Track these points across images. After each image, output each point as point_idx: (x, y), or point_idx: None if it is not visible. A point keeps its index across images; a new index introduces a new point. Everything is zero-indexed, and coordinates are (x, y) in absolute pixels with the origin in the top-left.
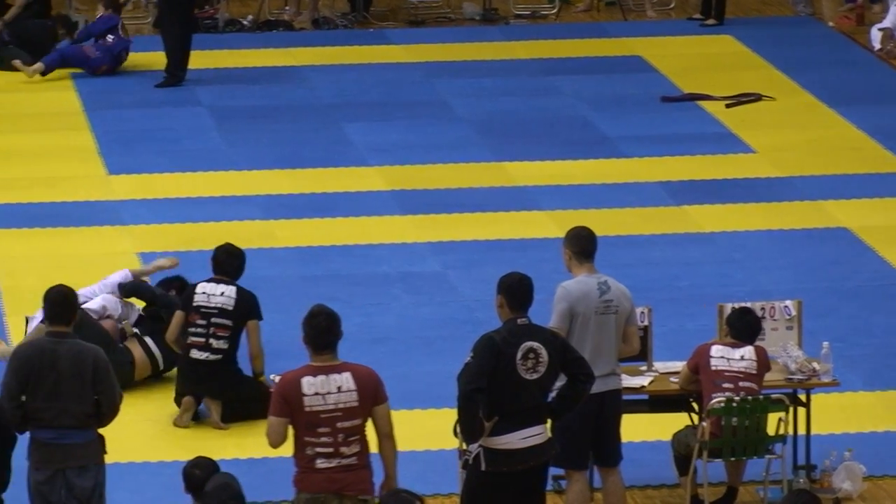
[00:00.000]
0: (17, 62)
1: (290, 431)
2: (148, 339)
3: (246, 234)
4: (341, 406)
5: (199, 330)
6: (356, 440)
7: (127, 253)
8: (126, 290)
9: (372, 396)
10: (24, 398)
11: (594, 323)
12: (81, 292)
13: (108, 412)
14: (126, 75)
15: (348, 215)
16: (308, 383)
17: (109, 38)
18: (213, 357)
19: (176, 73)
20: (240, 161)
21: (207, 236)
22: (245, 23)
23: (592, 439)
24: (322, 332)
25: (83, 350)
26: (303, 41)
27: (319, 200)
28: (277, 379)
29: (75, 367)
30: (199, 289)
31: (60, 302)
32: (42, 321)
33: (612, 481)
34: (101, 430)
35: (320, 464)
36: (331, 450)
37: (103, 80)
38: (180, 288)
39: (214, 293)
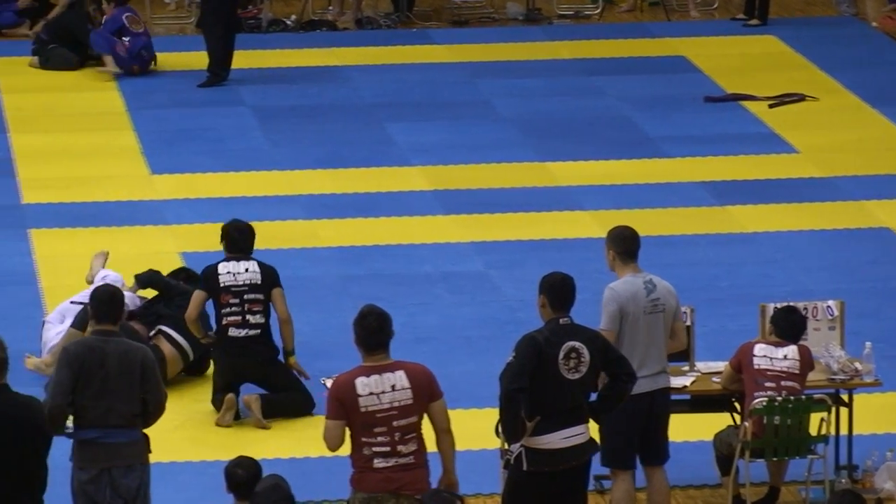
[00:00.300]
0: (107, 58)
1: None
2: (172, 332)
3: (288, 234)
4: (396, 405)
5: (235, 309)
6: (412, 438)
7: (169, 252)
8: (142, 280)
9: (427, 393)
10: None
11: (643, 323)
12: (78, 297)
13: (154, 412)
14: (168, 75)
15: (391, 215)
16: (362, 384)
17: (125, 39)
18: (252, 332)
19: (219, 72)
20: (283, 161)
21: None
22: (288, 23)
23: (640, 438)
24: (373, 332)
25: (131, 349)
26: (346, 41)
27: (362, 200)
28: (329, 382)
29: (123, 366)
30: (220, 269)
31: (108, 300)
32: (73, 325)
33: (658, 480)
34: (145, 430)
35: (378, 463)
36: (388, 449)
37: (146, 80)
38: (186, 279)
39: (239, 271)
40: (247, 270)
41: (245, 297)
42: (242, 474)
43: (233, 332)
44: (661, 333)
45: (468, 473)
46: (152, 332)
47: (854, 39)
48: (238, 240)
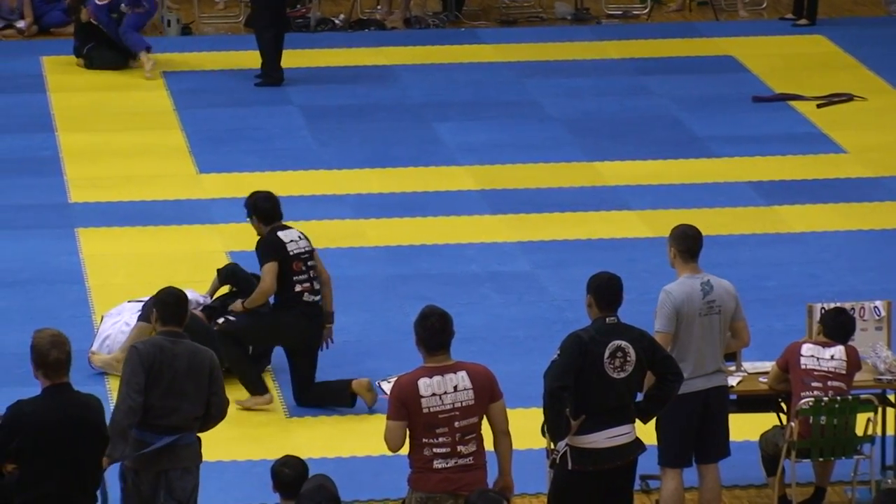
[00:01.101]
0: (143, 56)
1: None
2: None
3: (336, 234)
4: (458, 405)
5: (304, 276)
6: (473, 439)
7: (217, 251)
8: (223, 275)
9: (488, 394)
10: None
11: (698, 325)
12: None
13: (216, 415)
14: (216, 74)
15: (438, 215)
16: (425, 385)
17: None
18: (318, 299)
19: (272, 73)
20: (330, 160)
21: None
22: (337, 22)
23: (696, 436)
24: (436, 332)
25: (199, 351)
26: (394, 40)
27: (410, 200)
28: (385, 385)
29: (192, 367)
30: (283, 238)
31: (174, 303)
32: (141, 319)
33: (710, 478)
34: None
35: (438, 464)
36: (448, 450)
37: (194, 79)
38: (225, 274)
39: (295, 239)
40: (300, 238)
41: (308, 263)
42: (290, 473)
43: (307, 297)
44: (716, 335)
45: (514, 473)
46: (220, 320)
47: None
48: (273, 209)
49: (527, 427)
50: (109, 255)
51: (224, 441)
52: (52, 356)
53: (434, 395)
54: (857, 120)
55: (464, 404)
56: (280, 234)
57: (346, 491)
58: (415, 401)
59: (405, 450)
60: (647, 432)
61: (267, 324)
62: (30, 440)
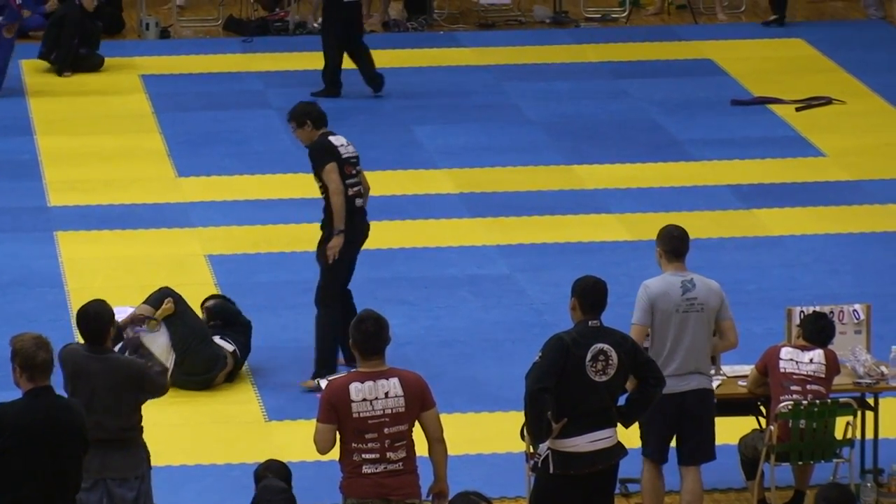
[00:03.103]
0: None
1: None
2: (218, 339)
3: (315, 237)
4: (388, 412)
5: (354, 180)
6: (402, 445)
7: (195, 255)
8: (211, 311)
9: (420, 402)
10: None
11: (675, 321)
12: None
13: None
14: (194, 77)
15: (417, 218)
16: (356, 389)
17: None
18: (364, 203)
19: (330, 87)
20: (309, 163)
21: (276, 238)
22: (315, 25)
23: (677, 438)
24: (370, 337)
25: (121, 365)
26: (373, 44)
27: (388, 203)
28: (324, 383)
29: (113, 382)
30: (335, 142)
31: (93, 318)
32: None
33: (690, 480)
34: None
35: (367, 469)
36: (377, 455)
37: (173, 82)
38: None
39: (344, 143)
40: (348, 143)
41: (357, 168)
42: (272, 478)
43: (358, 202)
44: (696, 333)
45: (493, 476)
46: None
47: (882, 43)
48: (322, 115)
49: (506, 430)
50: (88, 258)
51: (202, 444)
52: (39, 357)
53: (365, 399)
54: (835, 123)
55: (394, 411)
56: (331, 138)
57: (325, 494)
58: (345, 405)
59: (335, 454)
60: (627, 436)
61: (344, 257)
62: (11, 443)
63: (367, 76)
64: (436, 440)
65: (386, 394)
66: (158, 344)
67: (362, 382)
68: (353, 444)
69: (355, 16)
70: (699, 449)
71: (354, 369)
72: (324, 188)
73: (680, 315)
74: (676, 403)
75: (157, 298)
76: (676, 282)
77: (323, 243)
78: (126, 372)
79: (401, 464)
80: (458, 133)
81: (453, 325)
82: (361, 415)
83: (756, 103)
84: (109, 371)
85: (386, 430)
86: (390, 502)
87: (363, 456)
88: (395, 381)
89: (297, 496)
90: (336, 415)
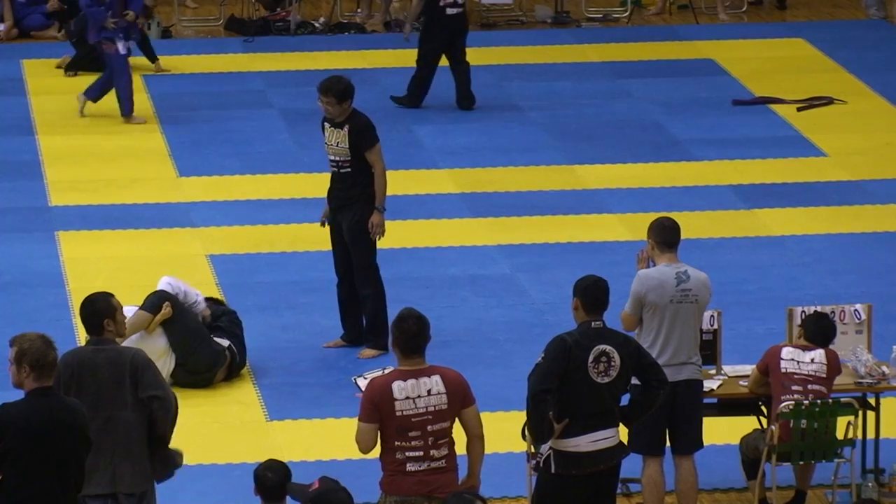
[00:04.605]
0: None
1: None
2: (217, 339)
3: (316, 237)
4: (431, 409)
5: None
6: (445, 443)
7: (197, 255)
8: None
9: (461, 399)
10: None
11: (670, 312)
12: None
13: (164, 415)
14: (195, 78)
15: (418, 218)
16: (399, 387)
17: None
18: None
19: (411, 97)
20: (311, 163)
21: (277, 239)
22: (317, 25)
23: (669, 428)
24: (412, 335)
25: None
26: (374, 44)
27: (390, 203)
28: (362, 382)
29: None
30: None
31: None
32: (143, 308)
33: (684, 469)
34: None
35: (410, 467)
36: (421, 453)
37: (174, 82)
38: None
39: None
40: None
41: None
42: (272, 478)
43: None
44: (688, 324)
45: (494, 476)
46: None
47: (883, 42)
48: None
49: (507, 430)
50: (90, 258)
51: (203, 444)
52: (50, 356)
53: (408, 398)
54: (837, 123)
55: (437, 408)
56: None
57: None
58: (388, 403)
59: (376, 452)
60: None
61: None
62: (15, 443)
63: (458, 93)
64: (476, 437)
65: (429, 391)
66: (156, 347)
67: (405, 381)
68: (396, 443)
69: (458, 28)
70: (693, 439)
71: (391, 364)
72: (357, 165)
73: (674, 306)
74: (670, 394)
75: (153, 303)
76: (671, 273)
77: (357, 222)
78: (128, 359)
79: (444, 461)
80: (459, 133)
81: (454, 326)
82: (405, 413)
83: (757, 103)
84: (111, 361)
85: (429, 428)
86: (432, 500)
87: (407, 454)
88: (436, 378)
89: None
90: (379, 414)
